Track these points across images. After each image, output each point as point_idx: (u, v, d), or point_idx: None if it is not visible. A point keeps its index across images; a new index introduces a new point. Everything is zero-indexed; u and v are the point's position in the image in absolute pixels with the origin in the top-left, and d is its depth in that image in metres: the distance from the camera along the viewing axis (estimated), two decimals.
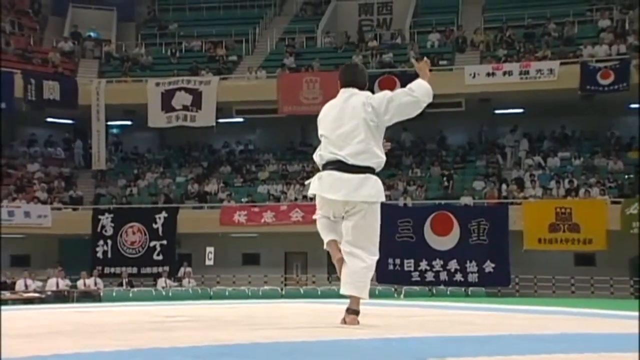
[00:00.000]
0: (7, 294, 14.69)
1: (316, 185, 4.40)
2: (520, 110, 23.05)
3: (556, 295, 18.78)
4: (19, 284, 17.51)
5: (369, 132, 4.32)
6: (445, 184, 21.38)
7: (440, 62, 22.67)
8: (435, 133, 24.03)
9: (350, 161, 4.29)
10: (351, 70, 4.71)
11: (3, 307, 9.71)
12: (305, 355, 2.64)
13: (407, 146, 24.21)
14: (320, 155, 4.46)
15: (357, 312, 4.26)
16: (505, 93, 21.02)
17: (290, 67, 23.73)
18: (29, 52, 24.01)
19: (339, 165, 4.31)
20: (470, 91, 21.10)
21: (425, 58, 4.71)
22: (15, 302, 12.59)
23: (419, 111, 4.49)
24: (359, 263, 4.31)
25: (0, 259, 16.03)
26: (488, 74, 21.06)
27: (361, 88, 4.56)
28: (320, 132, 4.50)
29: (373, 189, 4.33)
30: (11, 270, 19.39)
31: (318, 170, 4.55)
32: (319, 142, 4.68)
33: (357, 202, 4.32)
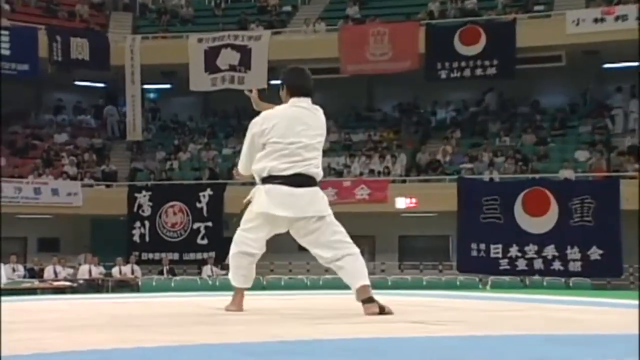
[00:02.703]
0: (35, 282, 15.31)
1: None
2: (636, 64, 22.27)
3: None
4: (48, 271, 18.19)
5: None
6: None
7: (536, 8, 22.09)
8: (529, 93, 23.56)
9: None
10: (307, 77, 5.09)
11: (32, 297, 10.16)
12: (377, 355, 2.67)
13: (492, 110, 23.84)
14: None
15: (372, 299, 4.56)
16: (617, 43, 20.30)
17: (354, 18, 23.59)
18: (54, 4, 24.61)
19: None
20: (572, 42, 20.54)
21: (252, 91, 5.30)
22: (44, 291, 13.13)
23: None
24: (354, 257, 4.79)
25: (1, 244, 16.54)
26: (596, 20, 20.40)
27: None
28: None
29: None
30: (39, 256, 20.17)
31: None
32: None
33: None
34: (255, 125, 4.94)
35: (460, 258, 19.81)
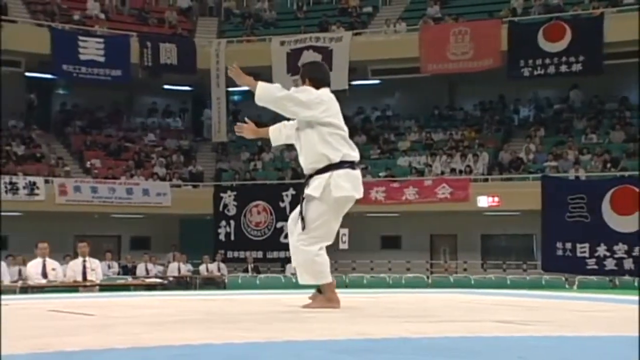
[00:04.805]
0: (129, 279, 15.81)
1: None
2: None
3: None
4: (140, 269, 18.77)
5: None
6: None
7: (625, 1, 21.35)
8: (617, 90, 22.82)
9: None
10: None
11: (125, 293, 10.49)
12: (463, 353, 2.65)
13: (578, 107, 23.20)
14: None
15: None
16: None
17: (435, 18, 23.36)
18: (145, 12, 25.35)
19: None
20: None
21: (232, 65, 5.20)
22: (136, 287, 13.53)
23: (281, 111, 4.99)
24: None
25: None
26: None
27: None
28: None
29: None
30: (131, 254, 20.83)
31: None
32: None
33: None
34: (312, 92, 4.94)
35: (545, 257, 19.36)
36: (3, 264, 11.92)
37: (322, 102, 4.88)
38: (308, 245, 4.95)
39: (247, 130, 5.47)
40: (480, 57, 21.36)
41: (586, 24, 20.61)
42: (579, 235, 18.68)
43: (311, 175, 4.98)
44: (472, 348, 2.82)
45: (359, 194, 4.93)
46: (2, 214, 20.13)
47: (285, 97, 4.87)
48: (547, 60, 20.76)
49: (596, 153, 20.54)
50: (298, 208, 5.11)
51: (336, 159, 4.84)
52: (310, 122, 4.91)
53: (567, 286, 16.84)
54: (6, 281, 11.97)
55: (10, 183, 19.87)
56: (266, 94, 4.89)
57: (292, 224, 5.16)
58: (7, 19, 22.05)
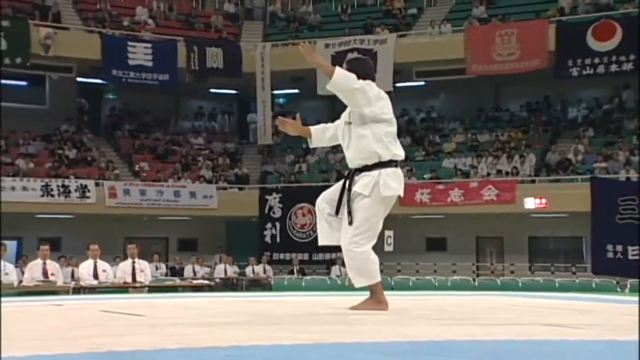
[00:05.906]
0: (177, 280, 16.00)
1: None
2: None
3: None
4: (187, 270, 19.01)
5: None
6: None
7: None
8: None
9: None
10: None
11: (174, 294, 10.61)
12: (514, 357, 2.62)
13: (629, 107, 22.73)
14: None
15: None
16: None
17: (480, 19, 23.15)
18: (191, 17, 25.67)
19: None
20: None
21: (302, 43, 5.01)
22: (184, 289, 13.69)
23: (350, 99, 4.95)
24: None
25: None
26: None
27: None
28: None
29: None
30: (179, 255, 21.10)
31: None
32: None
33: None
34: (374, 87, 4.94)
35: (595, 260, 19.01)
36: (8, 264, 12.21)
37: (382, 99, 4.90)
38: (361, 247, 4.95)
39: (291, 126, 5.43)
40: (527, 57, 21.09)
41: (637, 23, 20.18)
42: (631, 237, 18.30)
43: (358, 170, 4.94)
44: (522, 351, 2.78)
45: (402, 192, 5.03)
46: (56, 216, 20.69)
47: (359, 89, 4.83)
48: (597, 60, 20.38)
49: None
50: (333, 188, 5.12)
51: (386, 157, 4.83)
52: (365, 118, 4.87)
53: (618, 289, 16.52)
54: (60, 282, 12.23)
55: (63, 186, 20.30)
56: (345, 81, 4.81)
57: (323, 203, 5.22)
58: (61, 25, 22.56)
